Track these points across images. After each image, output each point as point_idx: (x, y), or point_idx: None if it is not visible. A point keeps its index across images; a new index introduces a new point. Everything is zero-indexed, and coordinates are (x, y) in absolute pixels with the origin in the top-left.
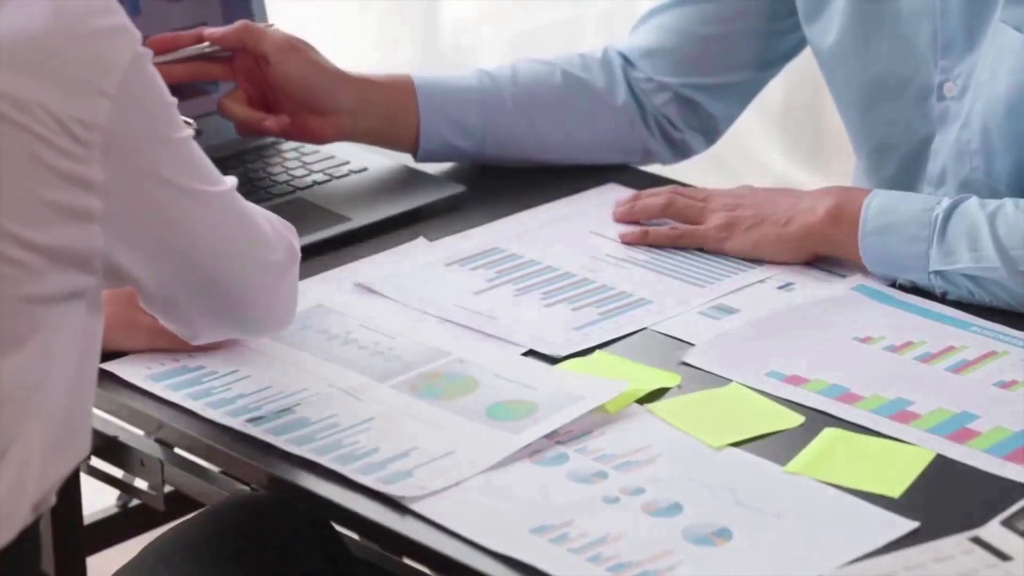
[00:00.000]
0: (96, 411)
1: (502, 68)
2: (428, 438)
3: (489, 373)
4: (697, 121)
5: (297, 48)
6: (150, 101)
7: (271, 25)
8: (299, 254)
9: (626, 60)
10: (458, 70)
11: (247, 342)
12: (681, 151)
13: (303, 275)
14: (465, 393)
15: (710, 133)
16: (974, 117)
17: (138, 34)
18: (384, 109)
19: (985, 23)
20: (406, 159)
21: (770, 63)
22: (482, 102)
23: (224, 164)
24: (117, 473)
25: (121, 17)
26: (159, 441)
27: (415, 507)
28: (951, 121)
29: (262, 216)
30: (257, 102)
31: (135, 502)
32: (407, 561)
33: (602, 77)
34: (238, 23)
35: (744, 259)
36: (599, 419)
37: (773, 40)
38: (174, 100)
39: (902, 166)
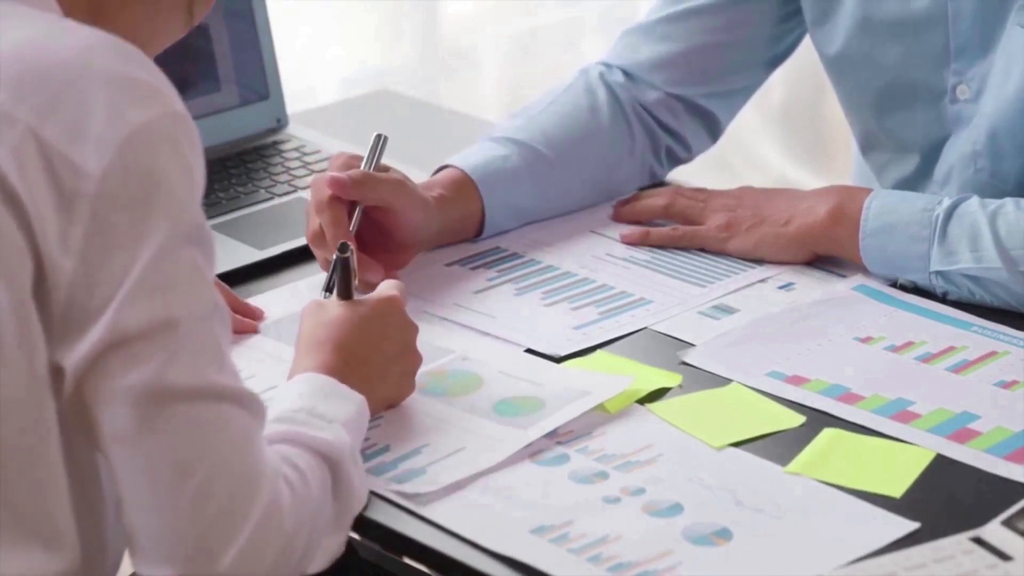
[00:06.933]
0: None
1: (532, 133)
2: (438, 435)
3: (493, 370)
4: (706, 128)
5: (413, 195)
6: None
7: (387, 168)
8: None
9: (629, 76)
10: (458, 71)
11: (249, 341)
12: (684, 161)
13: (305, 274)
14: (471, 390)
15: (715, 135)
16: (982, 119)
17: (176, 108)
18: (458, 224)
19: (1000, 27)
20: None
21: (776, 61)
22: (534, 183)
23: (224, 164)
24: None
25: (158, 80)
26: None
27: (416, 507)
28: (965, 123)
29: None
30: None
31: None
32: (408, 561)
33: (618, 127)
34: (358, 174)
35: (745, 259)
36: (600, 419)
37: (780, 40)
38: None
39: (916, 167)
